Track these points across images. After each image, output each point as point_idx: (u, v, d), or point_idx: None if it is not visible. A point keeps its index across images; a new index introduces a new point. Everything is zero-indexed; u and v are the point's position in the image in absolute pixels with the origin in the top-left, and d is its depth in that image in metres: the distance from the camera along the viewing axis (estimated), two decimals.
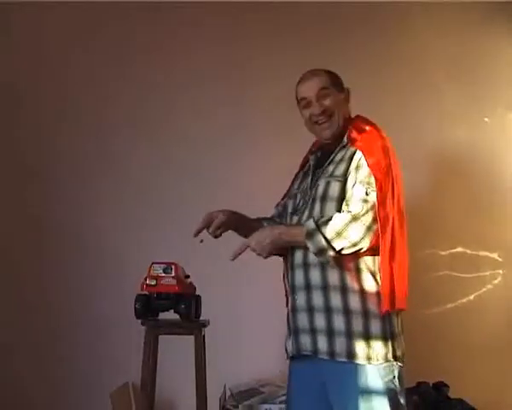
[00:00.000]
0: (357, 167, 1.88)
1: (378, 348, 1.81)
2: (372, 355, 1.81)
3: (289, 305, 1.98)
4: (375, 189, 1.84)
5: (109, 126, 3.30)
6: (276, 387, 2.89)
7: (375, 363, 1.81)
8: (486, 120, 3.44)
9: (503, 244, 3.35)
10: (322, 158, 2.05)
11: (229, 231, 2.14)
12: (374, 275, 1.87)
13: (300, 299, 1.90)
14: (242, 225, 2.13)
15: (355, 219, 1.80)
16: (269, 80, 3.26)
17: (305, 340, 1.88)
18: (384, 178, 1.86)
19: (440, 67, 3.44)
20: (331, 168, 1.95)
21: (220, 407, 2.78)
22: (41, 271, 3.16)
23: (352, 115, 2.10)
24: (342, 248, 1.81)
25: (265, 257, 1.94)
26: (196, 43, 3.34)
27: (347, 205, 1.85)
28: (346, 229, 1.79)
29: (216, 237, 2.08)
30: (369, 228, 1.81)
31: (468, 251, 3.30)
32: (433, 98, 3.41)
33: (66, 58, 3.32)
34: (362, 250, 1.84)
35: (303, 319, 1.89)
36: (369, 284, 1.86)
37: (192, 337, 2.35)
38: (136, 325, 2.35)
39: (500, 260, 3.33)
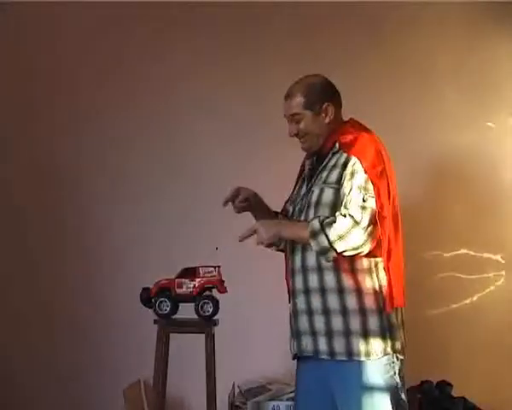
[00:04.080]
0: (353, 173, 1.90)
1: (377, 343, 1.86)
2: (371, 351, 1.86)
3: (291, 308, 2.04)
4: (373, 195, 1.87)
5: (112, 126, 3.34)
6: (283, 385, 2.96)
7: (374, 358, 1.86)
8: (490, 124, 3.46)
9: (505, 246, 3.39)
10: (318, 163, 2.08)
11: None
12: (370, 273, 1.92)
13: (301, 303, 1.96)
14: (261, 209, 2.19)
15: (356, 224, 1.83)
16: (274, 82, 3.29)
17: (307, 342, 1.94)
18: (381, 182, 1.89)
19: (444, 71, 3.47)
20: (324, 175, 1.98)
21: (229, 404, 2.83)
22: (58, 270, 3.23)
23: (345, 118, 2.11)
24: (344, 251, 1.85)
25: (266, 246, 1.98)
26: (206, 45, 3.38)
27: (346, 209, 1.87)
28: (349, 234, 1.83)
29: (239, 211, 2.14)
30: (370, 234, 1.85)
31: (472, 253, 3.33)
32: (436, 102, 3.44)
33: (75, 58, 3.37)
34: (362, 253, 1.88)
35: (304, 322, 1.95)
36: (366, 283, 1.90)
37: (202, 336, 2.41)
38: (148, 324, 2.42)
39: (503, 261, 3.37)
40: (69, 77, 3.35)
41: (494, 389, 3.17)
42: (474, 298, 3.33)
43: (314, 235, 1.85)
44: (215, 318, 2.44)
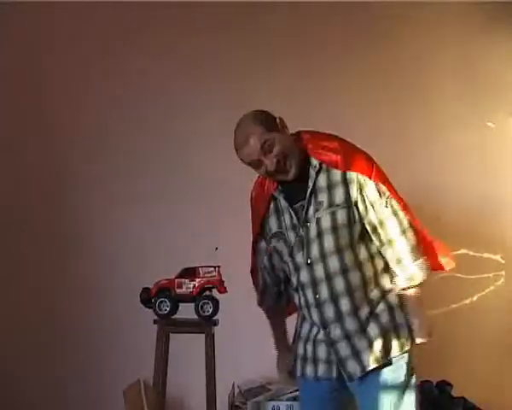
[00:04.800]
0: (362, 187, 1.90)
1: (406, 334, 1.90)
2: (404, 343, 1.89)
3: (319, 336, 1.96)
4: (389, 195, 1.90)
5: (113, 125, 3.35)
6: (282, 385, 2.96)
7: (406, 349, 1.89)
8: (490, 124, 3.48)
9: (505, 246, 3.41)
10: (289, 191, 1.99)
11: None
12: (389, 273, 1.95)
13: (335, 330, 1.92)
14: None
15: (404, 231, 1.91)
16: (267, 80, 3.31)
17: (353, 365, 1.90)
18: (385, 182, 1.92)
19: (443, 71, 3.48)
20: (323, 197, 1.92)
21: (229, 404, 2.84)
22: (58, 270, 3.24)
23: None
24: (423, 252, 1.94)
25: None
26: (199, 44, 3.37)
27: (382, 227, 1.90)
28: (411, 239, 1.91)
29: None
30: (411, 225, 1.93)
31: (472, 253, 3.34)
32: (436, 102, 3.45)
33: (76, 58, 3.37)
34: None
35: (344, 348, 1.91)
36: (387, 284, 1.94)
37: (202, 336, 2.42)
38: (147, 324, 2.43)
39: (503, 262, 3.39)
40: (70, 77, 3.36)
41: (494, 389, 3.18)
42: (474, 298, 3.34)
43: (415, 273, 1.92)
44: (215, 318, 2.46)
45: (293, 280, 2.00)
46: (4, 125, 3.30)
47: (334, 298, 1.90)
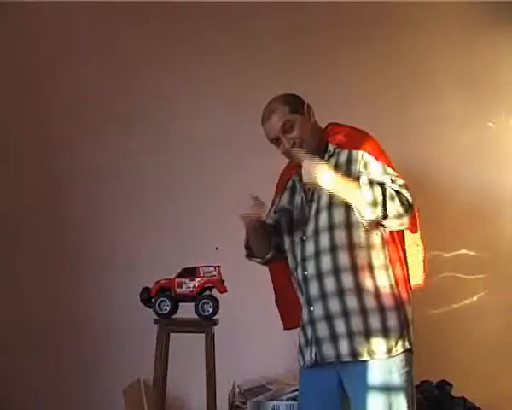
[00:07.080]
0: (366, 164, 1.91)
1: (396, 339, 1.87)
2: (392, 348, 1.86)
3: (305, 317, 1.99)
4: (395, 175, 1.88)
5: (114, 126, 3.35)
6: (283, 385, 2.95)
7: (394, 355, 1.86)
8: (490, 124, 3.48)
9: (505, 247, 3.40)
10: None
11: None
12: (386, 269, 1.92)
13: (317, 309, 1.92)
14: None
15: (401, 186, 1.83)
16: (272, 81, 3.29)
17: (328, 348, 1.90)
18: (390, 164, 1.92)
19: (443, 71, 3.48)
20: None
21: (229, 404, 2.84)
22: (59, 270, 3.24)
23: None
24: (394, 215, 1.81)
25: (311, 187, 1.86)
26: (201, 45, 3.38)
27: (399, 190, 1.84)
28: (400, 192, 1.82)
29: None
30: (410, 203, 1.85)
31: (472, 253, 3.35)
32: (436, 102, 3.45)
33: (76, 58, 3.38)
34: (406, 219, 1.84)
35: (323, 329, 1.91)
36: (383, 280, 1.90)
37: (202, 336, 2.42)
38: (147, 323, 2.43)
39: (502, 262, 3.38)
40: (70, 78, 3.36)
41: (494, 389, 3.17)
42: (474, 298, 3.34)
43: (370, 184, 1.81)
44: (215, 318, 2.46)
45: (290, 258, 2.03)
46: (3, 125, 3.30)
47: (320, 276, 1.91)
